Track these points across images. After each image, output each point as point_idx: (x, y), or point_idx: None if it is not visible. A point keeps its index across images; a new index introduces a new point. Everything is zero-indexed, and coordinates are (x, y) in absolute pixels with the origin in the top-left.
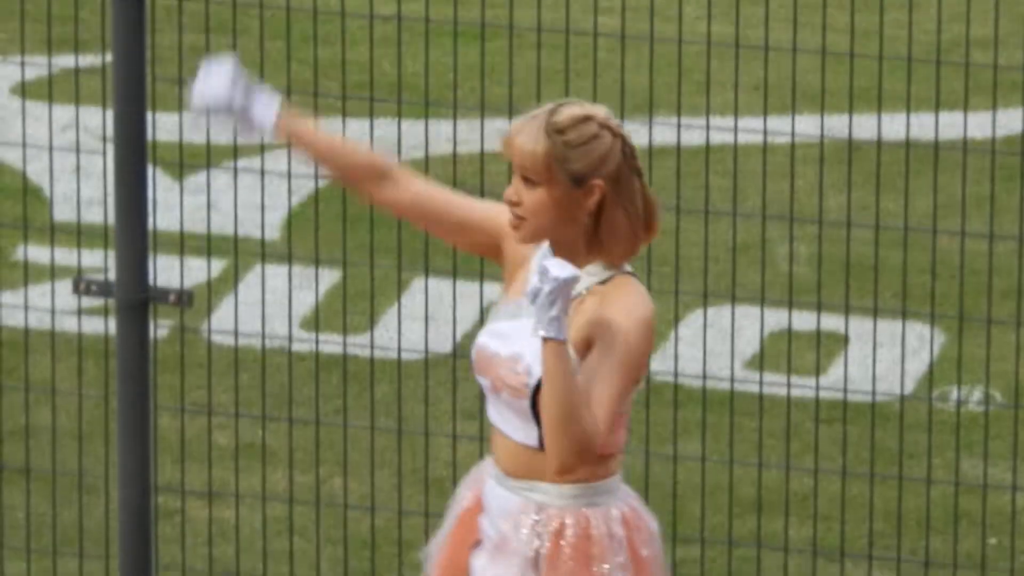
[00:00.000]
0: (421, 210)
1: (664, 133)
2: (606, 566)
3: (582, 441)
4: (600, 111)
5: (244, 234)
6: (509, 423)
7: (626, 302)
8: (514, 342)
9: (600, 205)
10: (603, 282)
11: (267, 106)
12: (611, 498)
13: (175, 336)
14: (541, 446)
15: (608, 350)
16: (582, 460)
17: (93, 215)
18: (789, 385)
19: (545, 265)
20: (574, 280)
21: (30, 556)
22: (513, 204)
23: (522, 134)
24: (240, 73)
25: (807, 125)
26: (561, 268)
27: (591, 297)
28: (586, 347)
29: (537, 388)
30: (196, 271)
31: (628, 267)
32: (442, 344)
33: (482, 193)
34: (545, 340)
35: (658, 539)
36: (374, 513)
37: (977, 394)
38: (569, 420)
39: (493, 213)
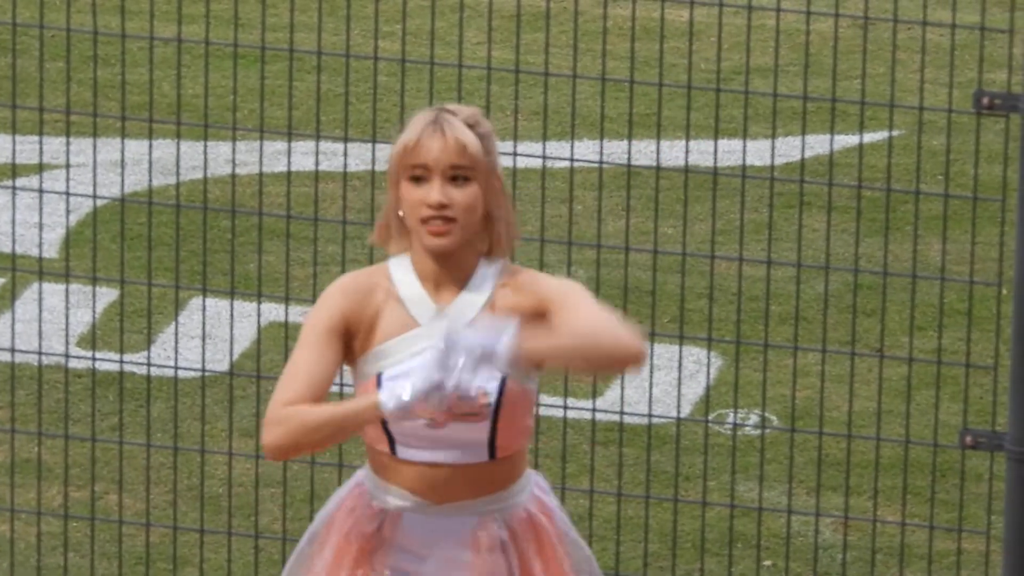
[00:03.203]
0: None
1: None
2: (570, 531)
3: (625, 335)
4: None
5: (22, 252)
6: (453, 452)
7: (539, 276)
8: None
9: (499, 197)
10: (500, 276)
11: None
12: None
13: None
14: (492, 456)
15: (574, 296)
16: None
17: None
18: (565, 407)
19: (452, 337)
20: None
21: None
22: (442, 207)
23: (439, 134)
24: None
25: (586, 150)
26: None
27: (501, 291)
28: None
29: (497, 406)
30: None
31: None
32: (219, 363)
33: (260, 210)
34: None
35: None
36: (149, 529)
37: (753, 418)
38: (601, 337)
39: (330, 358)
